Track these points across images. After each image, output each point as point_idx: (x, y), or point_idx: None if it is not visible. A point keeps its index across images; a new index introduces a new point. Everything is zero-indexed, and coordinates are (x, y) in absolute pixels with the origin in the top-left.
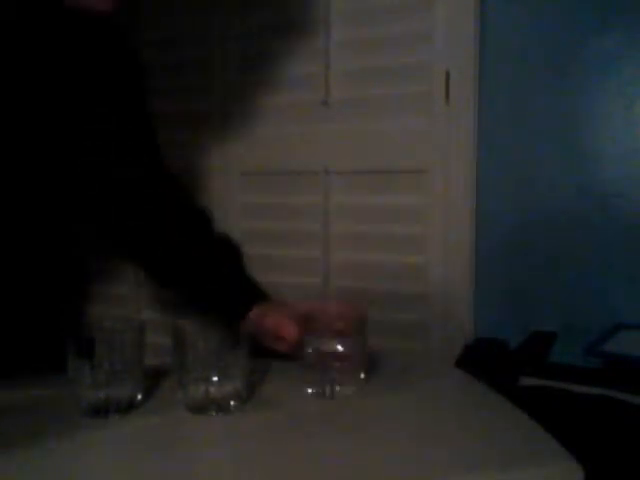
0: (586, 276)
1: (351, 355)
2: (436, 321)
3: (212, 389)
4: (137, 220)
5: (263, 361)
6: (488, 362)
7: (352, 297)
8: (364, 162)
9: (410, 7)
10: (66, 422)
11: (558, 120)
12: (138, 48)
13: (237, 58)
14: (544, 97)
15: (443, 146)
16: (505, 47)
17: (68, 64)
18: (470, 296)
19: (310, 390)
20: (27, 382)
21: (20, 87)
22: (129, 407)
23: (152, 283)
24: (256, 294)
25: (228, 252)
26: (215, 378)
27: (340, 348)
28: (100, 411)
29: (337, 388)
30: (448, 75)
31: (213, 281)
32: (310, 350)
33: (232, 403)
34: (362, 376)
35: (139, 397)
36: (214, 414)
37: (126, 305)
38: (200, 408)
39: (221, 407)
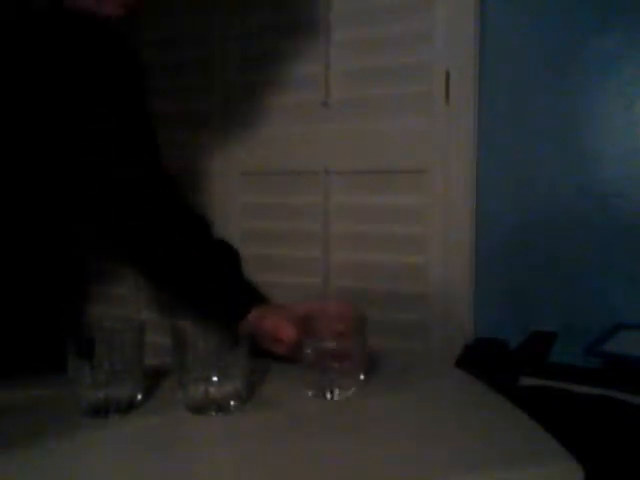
0: (586, 276)
1: (351, 355)
2: (436, 321)
3: (212, 389)
4: (137, 220)
5: (263, 361)
6: (488, 362)
7: (352, 297)
8: (364, 162)
9: (410, 7)
10: (66, 422)
11: (558, 120)
12: (138, 48)
13: (237, 58)
14: (544, 97)
15: (443, 146)
16: (505, 47)
17: (68, 64)
18: (470, 296)
19: (310, 391)
20: (27, 382)
21: (20, 88)
22: (129, 407)
23: (151, 285)
24: (255, 296)
25: (227, 255)
26: (215, 378)
27: (340, 349)
28: (100, 411)
29: (337, 389)
30: (448, 75)
31: (212, 281)
32: (309, 351)
33: (232, 403)
34: (362, 377)
35: (139, 397)
36: (214, 414)
37: (126, 305)
38: (200, 408)
39: (221, 407)
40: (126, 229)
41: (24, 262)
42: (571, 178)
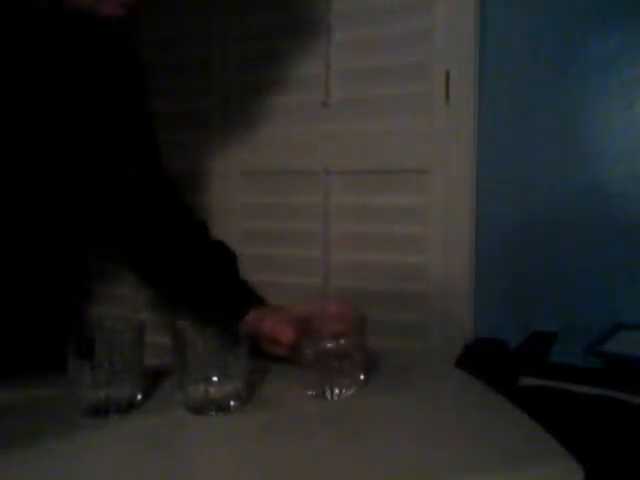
0: (586, 276)
1: (351, 356)
2: (436, 321)
3: (212, 389)
4: (137, 220)
5: (263, 361)
6: (488, 362)
7: (352, 297)
8: (364, 162)
9: (410, 7)
10: (66, 422)
11: (558, 120)
12: (138, 48)
13: (237, 58)
14: (544, 97)
15: (443, 146)
16: (505, 47)
17: (68, 64)
18: (470, 296)
19: (310, 391)
20: (27, 382)
21: (20, 88)
22: (129, 407)
23: (149, 286)
24: (253, 298)
25: (225, 256)
26: (215, 378)
27: (339, 349)
28: (100, 411)
29: (337, 389)
30: (448, 75)
31: (210, 282)
32: (309, 351)
33: (232, 403)
34: (362, 377)
35: (139, 397)
36: (214, 414)
37: (126, 305)
38: (200, 408)
39: (221, 407)
40: (126, 229)
41: (24, 262)
42: (571, 178)
